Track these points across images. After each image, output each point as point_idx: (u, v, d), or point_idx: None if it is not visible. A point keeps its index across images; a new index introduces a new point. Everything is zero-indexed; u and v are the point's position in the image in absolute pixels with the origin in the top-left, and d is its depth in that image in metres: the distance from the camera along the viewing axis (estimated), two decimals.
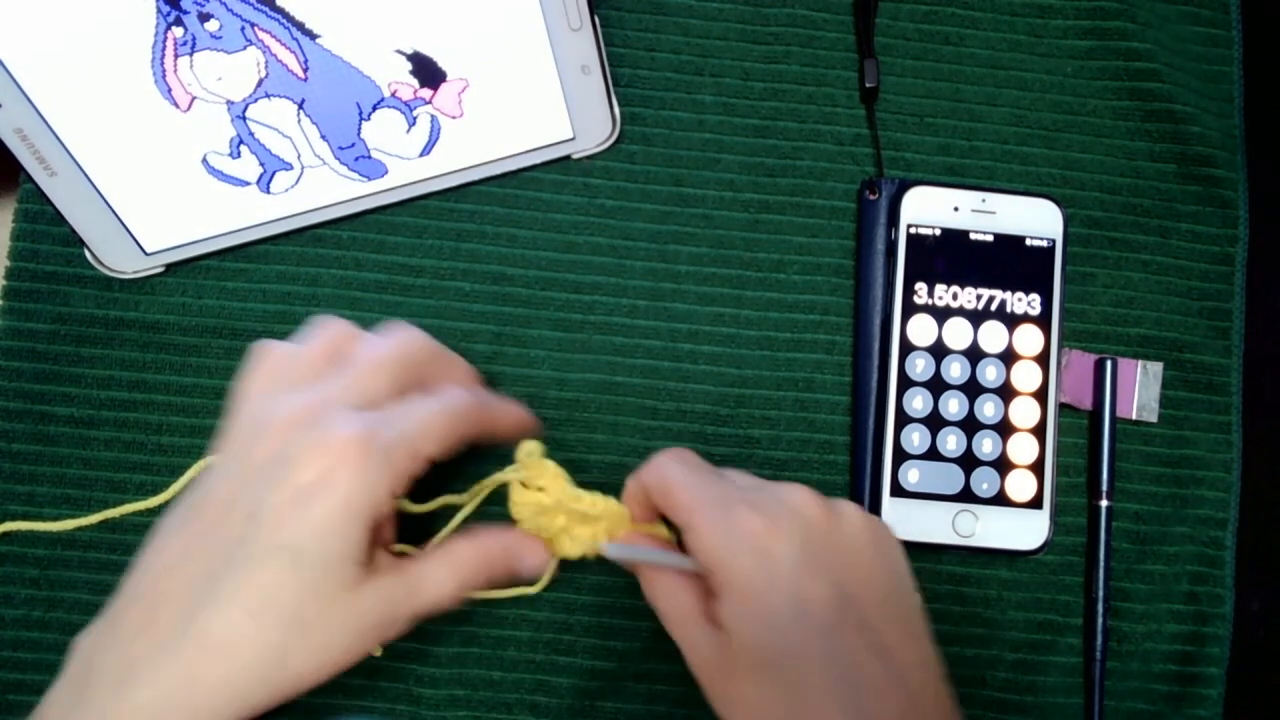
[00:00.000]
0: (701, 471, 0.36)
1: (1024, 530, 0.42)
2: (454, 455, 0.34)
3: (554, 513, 0.37)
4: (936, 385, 0.42)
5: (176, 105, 0.38)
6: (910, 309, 0.42)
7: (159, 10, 0.35)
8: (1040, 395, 0.42)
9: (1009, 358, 0.42)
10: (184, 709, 0.30)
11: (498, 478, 0.37)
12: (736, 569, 0.32)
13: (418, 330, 0.37)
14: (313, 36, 0.37)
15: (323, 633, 0.31)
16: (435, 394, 0.35)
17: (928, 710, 0.32)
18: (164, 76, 0.37)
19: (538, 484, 0.37)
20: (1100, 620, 0.42)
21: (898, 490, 0.41)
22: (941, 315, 0.42)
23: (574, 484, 0.37)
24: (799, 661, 0.31)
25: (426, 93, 0.40)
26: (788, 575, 0.32)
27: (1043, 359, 0.42)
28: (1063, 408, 0.43)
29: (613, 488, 0.42)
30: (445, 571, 0.34)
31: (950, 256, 0.43)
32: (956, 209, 0.43)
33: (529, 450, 0.37)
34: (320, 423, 0.32)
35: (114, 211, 0.40)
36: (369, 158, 0.41)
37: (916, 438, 0.42)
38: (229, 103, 0.38)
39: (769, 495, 0.34)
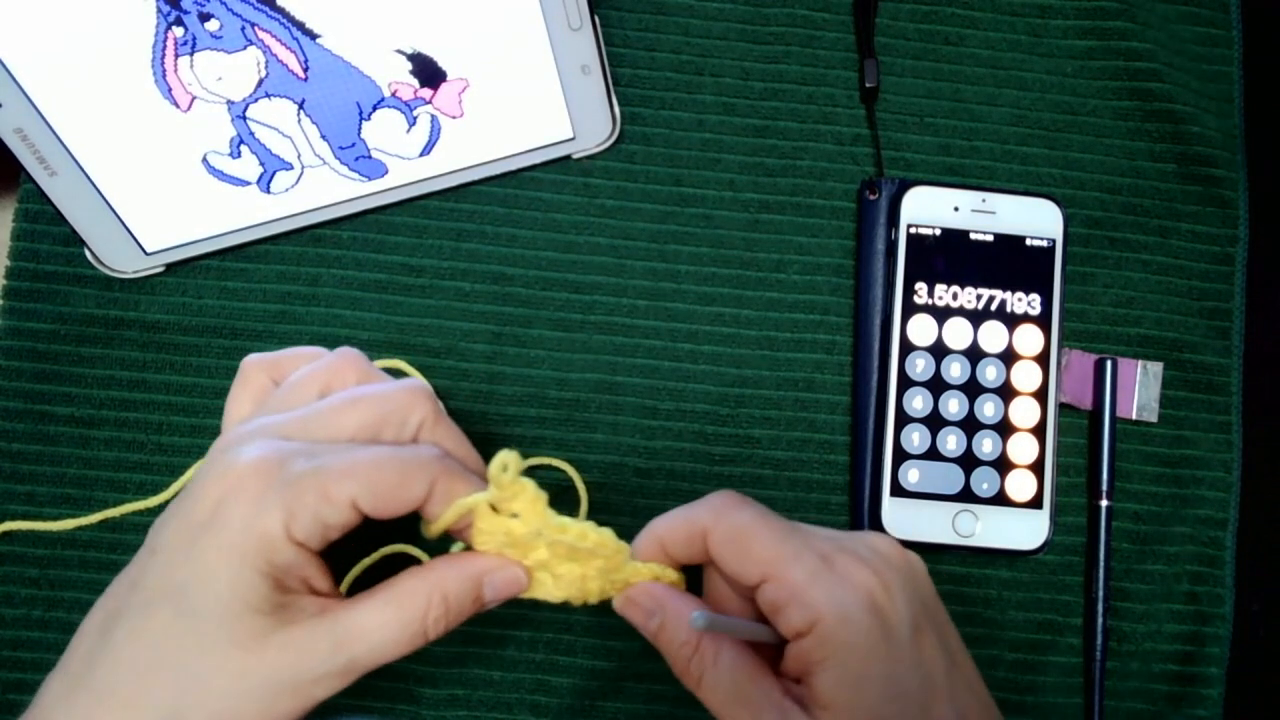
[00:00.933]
0: (777, 517, 0.31)
1: (1024, 530, 0.42)
2: (398, 514, 0.29)
3: (529, 545, 0.30)
4: (936, 385, 0.42)
5: (177, 105, 0.38)
6: (910, 309, 0.42)
7: (159, 10, 0.35)
8: (1040, 395, 0.42)
9: (1009, 358, 0.42)
10: None
11: (466, 501, 0.29)
12: (853, 630, 0.28)
13: (424, 385, 0.31)
14: (313, 36, 0.37)
15: (222, 692, 0.27)
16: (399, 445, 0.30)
17: None
18: (164, 76, 0.37)
19: (511, 509, 0.29)
20: (1100, 620, 0.42)
21: (898, 490, 0.41)
22: (941, 315, 0.42)
23: (555, 512, 0.30)
24: None
25: (426, 93, 0.40)
26: (907, 636, 0.29)
27: (1043, 359, 0.42)
28: (1063, 408, 0.43)
29: (612, 487, 0.42)
30: (385, 614, 0.28)
31: (950, 256, 0.43)
32: (956, 209, 0.43)
33: (504, 463, 0.28)
34: (237, 448, 0.28)
35: (114, 211, 0.40)
36: (369, 158, 0.41)
37: (916, 438, 0.42)
38: (229, 102, 0.38)
39: (859, 543, 0.31)
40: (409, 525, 0.32)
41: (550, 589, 0.31)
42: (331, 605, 0.29)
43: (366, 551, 0.40)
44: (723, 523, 0.30)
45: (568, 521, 0.30)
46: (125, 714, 0.26)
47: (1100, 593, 0.42)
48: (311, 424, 0.29)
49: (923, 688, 0.29)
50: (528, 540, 0.30)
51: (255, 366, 0.32)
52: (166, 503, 0.41)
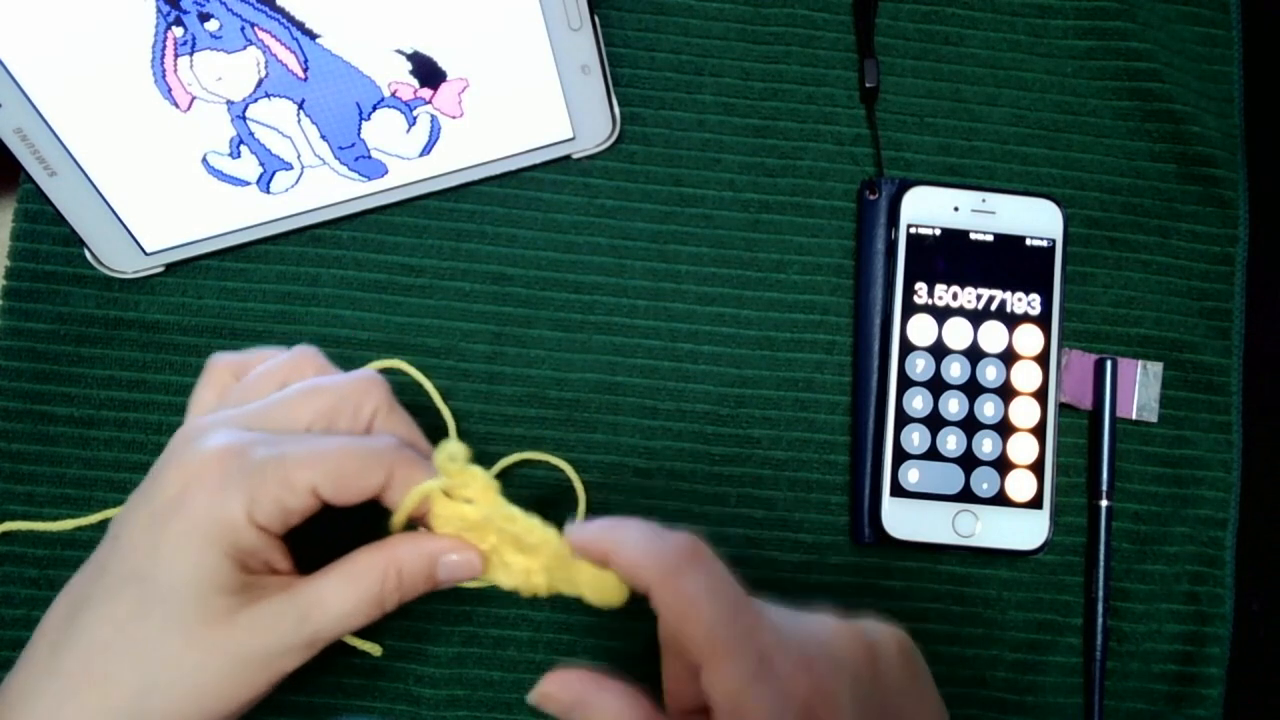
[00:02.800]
0: (726, 591, 0.27)
1: (1024, 530, 0.42)
2: (356, 502, 0.30)
3: (482, 530, 0.31)
4: (936, 385, 0.42)
5: (176, 105, 0.38)
6: (910, 309, 0.42)
7: (159, 10, 0.35)
8: (1040, 395, 0.42)
9: (1009, 358, 0.42)
10: None
11: (421, 488, 0.30)
12: None
13: (377, 375, 0.32)
14: (313, 36, 0.37)
15: (191, 670, 0.28)
16: (357, 433, 0.31)
17: None
18: (164, 76, 0.37)
19: (464, 494, 0.31)
20: (1100, 620, 0.42)
21: (898, 490, 0.41)
22: (941, 315, 0.42)
23: (509, 502, 0.31)
24: None
25: (426, 92, 0.40)
26: None
27: (1043, 359, 0.42)
28: (1063, 408, 0.43)
29: (612, 487, 0.42)
30: (343, 587, 0.29)
31: (950, 256, 0.43)
32: (956, 209, 0.43)
33: (451, 454, 0.30)
34: (199, 438, 0.29)
35: (114, 211, 0.40)
36: (369, 158, 0.41)
37: (916, 438, 0.42)
38: (229, 102, 0.38)
39: (807, 636, 0.27)
40: (369, 510, 0.31)
41: (500, 575, 0.32)
42: (293, 582, 0.30)
43: (328, 532, 0.38)
44: (669, 587, 0.26)
45: (517, 513, 0.31)
46: (94, 697, 0.28)
47: (1100, 593, 0.42)
48: (269, 414, 0.30)
49: None
50: (481, 526, 0.31)
51: (222, 365, 0.33)
52: None
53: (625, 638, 0.42)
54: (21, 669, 0.29)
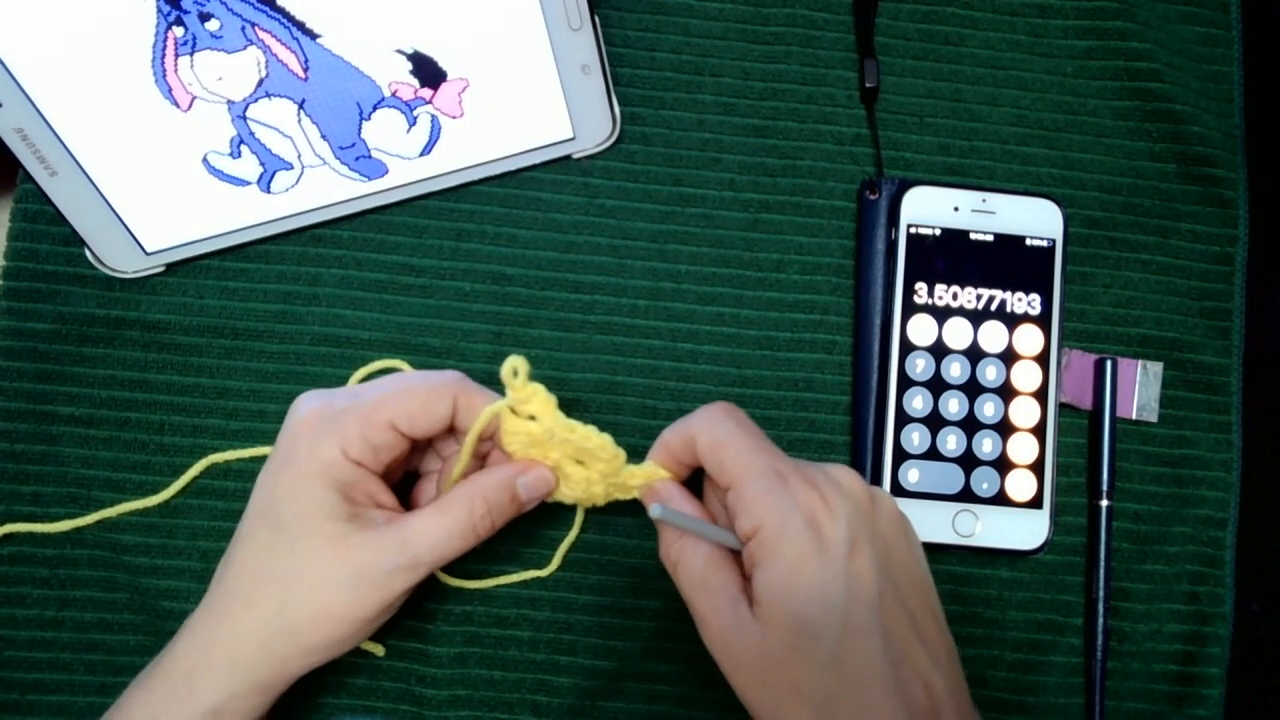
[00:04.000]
0: (756, 435, 0.34)
1: (1024, 530, 0.42)
2: (434, 432, 0.35)
3: (546, 446, 0.35)
4: (936, 385, 0.42)
5: (177, 105, 0.38)
6: (910, 309, 0.42)
7: (159, 10, 0.35)
8: (1040, 395, 0.42)
9: (1009, 358, 0.42)
10: (216, 654, 0.34)
11: (492, 408, 0.34)
12: (788, 539, 0.31)
13: (455, 374, 0.37)
14: (313, 36, 0.37)
15: (317, 585, 0.33)
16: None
17: (960, 699, 0.33)
18: (164, 76, 0.37)
19: (527, 410, 0.34)
20: (1100, 620, 0.42)
21: (898, 490, 0.41)
22: (941, 315, 0.42)
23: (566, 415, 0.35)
24: (847, 638, 0.31)
25: (427, 92, 0.40)
26: (840, 551, 0.32)
27: (1043, 359, 0.42)
28: (1063, 408, 0.43)
29: None
30: (435, 518, 0.34)
31: (950, 256, 0.43)
32: (956, 209, 0.43)
33: (514, 367, 0.33)
34: (300, 407, 0.36)
35: (114, 211, 0.40)
36: (369, 157, 0.41)
37: (916, 437, 0.42)
38: (229, 102, 0.38)
39: (819, 471, 0.34)
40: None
41: (562, 491, 0.36)
42: (396, 515, 0.35)
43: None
44: (707, 432, 0.34)
45: (575, 423, 0.34)
46: (240, 615, 0.34)
47: (1100, 593, 0.42)
48: (358, 388, 0.36)
49: (848, 599, 0.31)
50: (544, 440, 0.34)
51: None
52: (167, 502, 0.42)
53: (625, 638, 0.42)
54: (207, 595, 0.35)
